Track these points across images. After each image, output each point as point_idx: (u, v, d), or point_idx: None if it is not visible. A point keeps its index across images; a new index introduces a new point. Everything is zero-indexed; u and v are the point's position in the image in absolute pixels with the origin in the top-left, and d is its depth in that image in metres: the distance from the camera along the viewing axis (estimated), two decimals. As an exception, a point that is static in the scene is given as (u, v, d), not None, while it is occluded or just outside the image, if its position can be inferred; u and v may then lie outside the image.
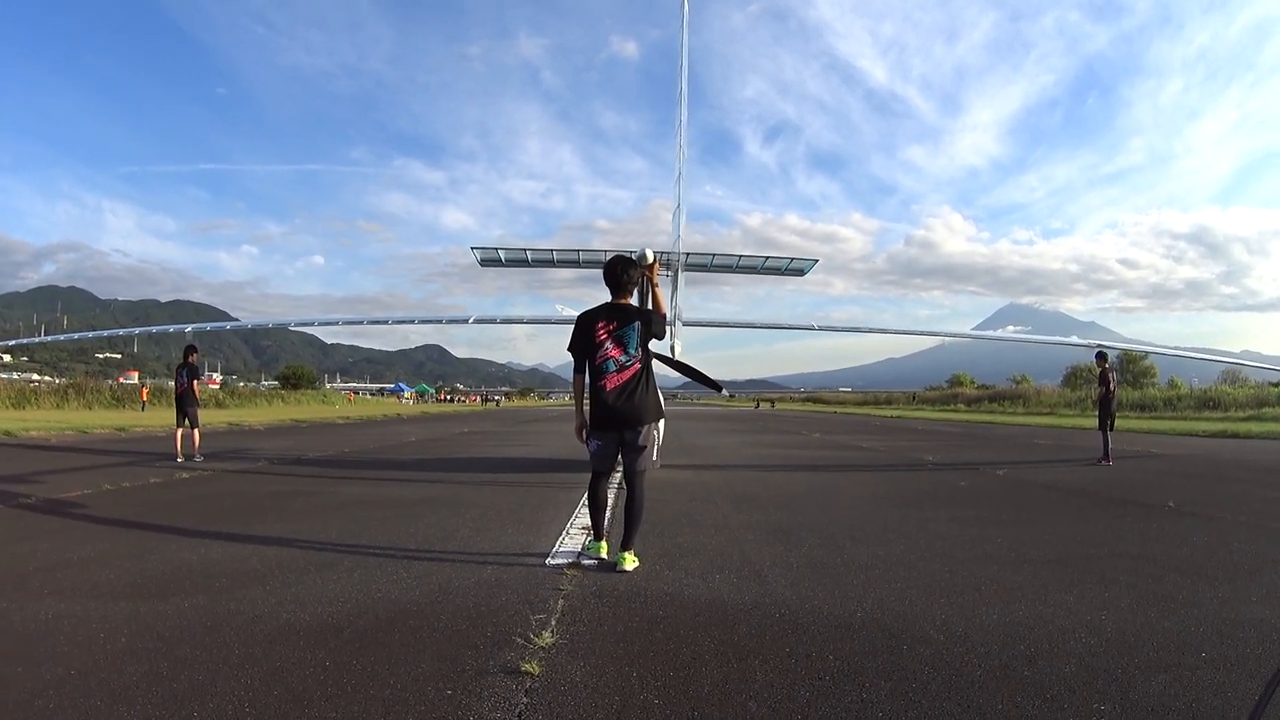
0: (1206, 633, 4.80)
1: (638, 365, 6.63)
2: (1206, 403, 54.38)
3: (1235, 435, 29.70)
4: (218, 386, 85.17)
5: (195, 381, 17.94)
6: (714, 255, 24.34)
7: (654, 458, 6.96)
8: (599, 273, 7.00)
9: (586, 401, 6.74)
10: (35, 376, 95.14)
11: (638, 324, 6.66)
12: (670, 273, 21.27)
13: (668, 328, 8.54)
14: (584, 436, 6.82)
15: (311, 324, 36.65)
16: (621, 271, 6.80)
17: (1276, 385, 56.10)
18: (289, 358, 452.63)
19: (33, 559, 6.80)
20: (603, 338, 6.61)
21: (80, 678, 3.94)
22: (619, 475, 7.07)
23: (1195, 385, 68.73)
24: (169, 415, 19.00)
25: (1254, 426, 33.57)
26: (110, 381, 71.01)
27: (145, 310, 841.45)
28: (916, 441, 27.90)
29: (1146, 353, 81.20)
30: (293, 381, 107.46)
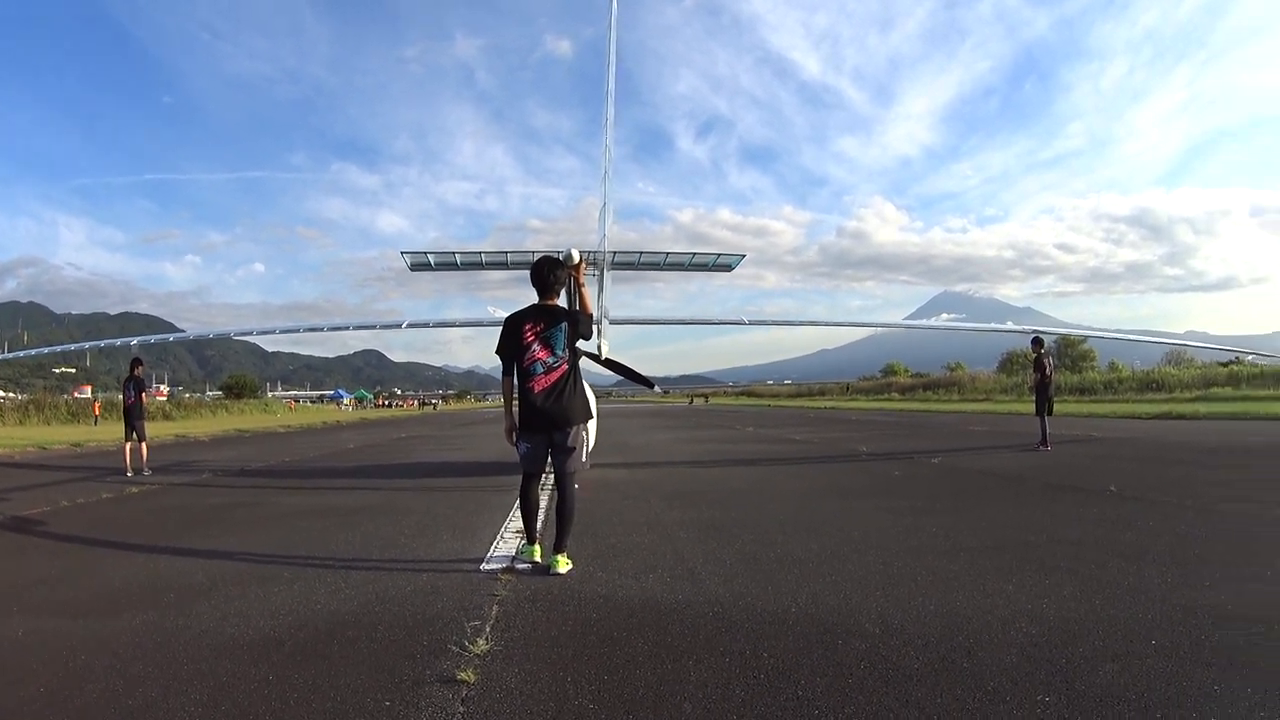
0: (1155, 619, 4.79)
1: (565, 366, 6.69)
2: (1149, 385, 55.44)
3: (1181, 417, 30.18)
4: (165, 398, 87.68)
5: (142, 394, 18.33)
6: (641, 253, 24.52)
7: (584, 459, 6.99)
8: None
9: (516, 403, 6.81)
10: (0, 394, 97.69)
11: (564, 325, 6.73)
12: (597, 272, 21.29)
13: (595, 327, 8.55)
14: (514, 439, 6.86)
15: (251, 333, 36.59)
16: (548, 273, 6.88)
17: (1224, 365, 57.29)
18: (232, 367, 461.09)
19: (2, 578, 7.04)
20: (530, 339, 6.68)
21: (47, 696, 4.08)
22: (552, 477, 7.06)
23: (1138, 368, 69.99)
24: (120, 429, 19.12)
25: (1201, 407, 33.98)
26: (66, 396, 74.59)
27: (96, 323, 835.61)
28: (850, 432, 28.15)
29: (1085, 337, 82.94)
30: (236, 391, 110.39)
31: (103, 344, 37.40)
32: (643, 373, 16.38)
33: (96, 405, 56.37)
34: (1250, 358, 57.07)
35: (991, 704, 3.59)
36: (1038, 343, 19.43)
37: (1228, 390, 44.72)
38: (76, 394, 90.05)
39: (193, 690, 4.07)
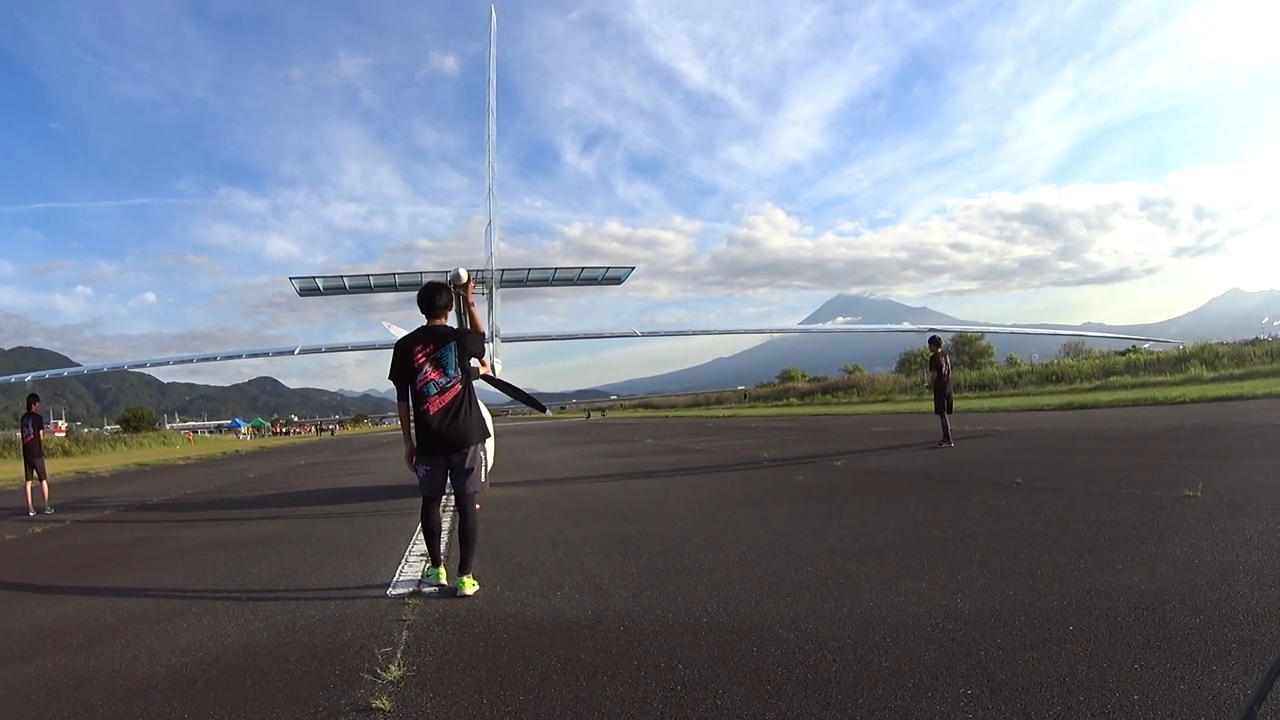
0: (1071, 605, 4.92)
1: (459, 386, 6.82)
2: (1049, 377, 57.27)
3: (1082, 406, 31.23)
4: (63, 434, 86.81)
5: (40, 430, 18.09)
6: (530, 270, 24.58)
7: (484, 479, 6.97)
8: None
9: (414, 426, 6.86)
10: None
11: (454, 344, 6.83)
12: (487, 290, 21.25)
13: (486, 345, 8.56)
14: (414, 463, 6.91)
15: (144, 365, 35.60)
16: (434, 295, 7.03)
17: (1122, 354, 59.19)
18: (129, 399, 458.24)
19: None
20: (421, 361, 6.80)
21: None
22: (453, 499, 7.09)
23: (1036, 361, 72.06)
24: (18, 468, 19.14)
25: (1102, 396, 35.45)
26: None
27: None
28: (751, 439, 28.48)
29: (983, 333, 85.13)
30: (134, 424, 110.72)
31: None
32: (538, 391, 16.38)
33: None
34: (1146, 345, 59.30)
35: (914, 700, 3.63)
36: (935, 342, 19.89)
37: (1126, 378, 46.28)
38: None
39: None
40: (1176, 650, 4.01)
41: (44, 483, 17.38)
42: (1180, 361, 47.10)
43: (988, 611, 4.92)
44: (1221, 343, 52.56)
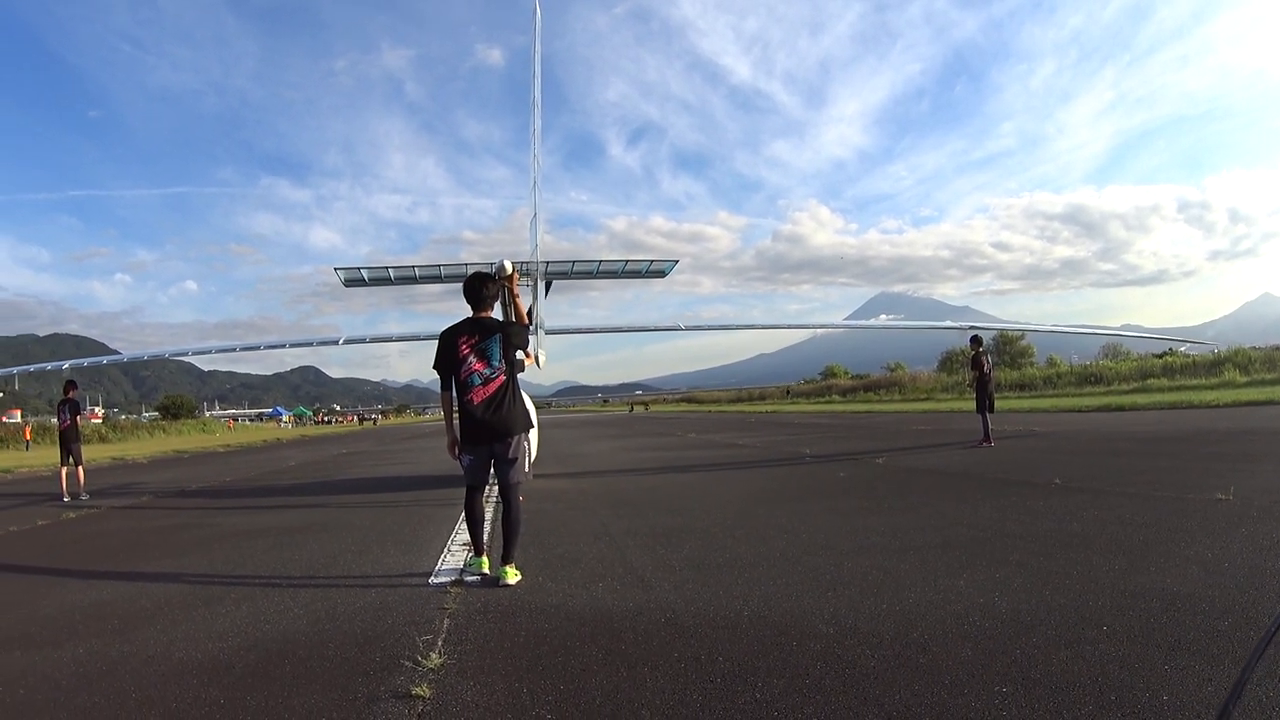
0: (1105, 606, 4.91)
1: (503, 377, 6.82)
2: (1088, 378, 56.27)
3: (1120, 409, 30.70)
4: (100, 420, 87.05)
5: (78, 417, 18.26)
6: (574, 262, 24.64)
7: (527, 469, 7.00)
8: None
9: (457, 417, 6.88)
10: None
11: (499, 336, 6.85)
12: (530, 282, 21.35)
13: (530, 336, 8.63)
14: (456, 453, 6.94)
15: (185, 353, 36.09)
16: (480, 286, 7.05)
17: (1159, 356, 58.32)
18: (168, 387, 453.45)
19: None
20: (465, 352, 6.81)
21: None
22: (497, 489, 7.14)
23: (1075, 362, 71.05)
24: (53, 454, 19.39)
25: (1140, 399, 34.75)
26: None
27: (24, 345, 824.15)
28: (793, 435, 28.30)
29: (1023, 332, 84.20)
30: (173, 411, 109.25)
31: (32, 368, 36.56)
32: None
33: (27, 430, 56.25)
34: (1183, 348, 58.40)
35: (950, 697, 3.65)
36: (976, 341, 19.74)
37: (1163, 381, 45.60)
38: (5, 419, 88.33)
39: (142, 718, 4.01)
40: (1206, 652, 4.00)
41: (79, 468, 17.53)
42: (1214, 365, 46.35)
43: (1024, 610, 4.92)
44: (1254, 347, 51.73)
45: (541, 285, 21.84)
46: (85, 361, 42.10)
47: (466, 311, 7.08)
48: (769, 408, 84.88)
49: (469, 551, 7.40)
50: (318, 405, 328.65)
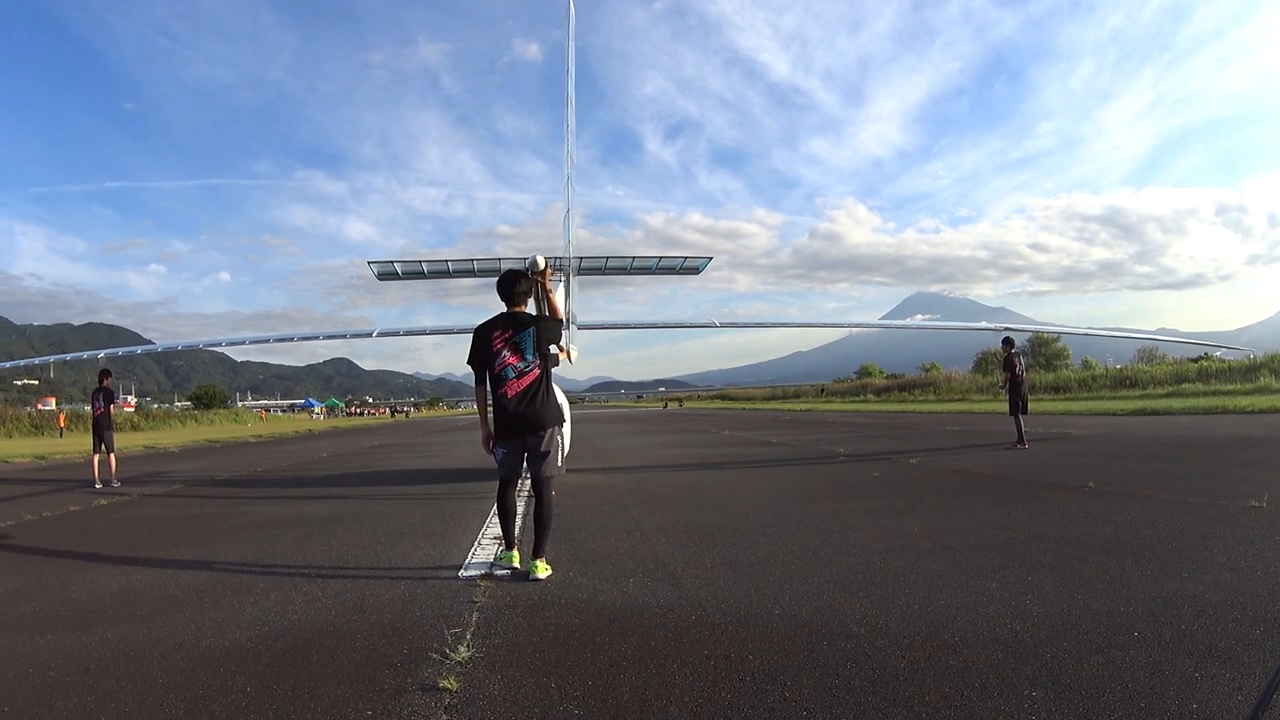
0: (1137, 612, 4.87)
1: (537, 371, 6.83)
2: (1123, 382, 55.78)
3: (1154, 413, 30.37)
4: (132, 409, 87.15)
5: (111, 405, 18.56)
6: (608, 258, 24.68)
7: (560, 463, 7.02)
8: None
9: (491, 411, 6.92)
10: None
11: (532, 330, 6.87)
12: (564, 277, 21.42)
13: (563, 331, 8.66)
14: (490, 448, 6.96)
15: (219, 344, 36.61)
16: (514, 282, 7.10)
17: (1195, 361, 57.68)
18: (200, 377, 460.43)
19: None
20: (499, 346, 6.85)
21: (14, 714, 3.99)
22: (528, 483, 7.16)
23: (1110, 365, 70.38)
24: (86, 441, 19.48)
25: (1174, 403, 34.40)
26: (29, 409, 72.58)
27: (60, 334, 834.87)
28: (827, 434, 28.21)
29: (1058, 334, 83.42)
30: (205, 401, 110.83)
31: (68, 357, 37.22)
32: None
33: (61, 417, 56.51)
34: (1219, 353, 57.70)
35: (980, 699, 3.64)
36: (1008, 343, 19.68)
37: (1198, 386, 45.13)
38: (40, 406, 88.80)
39: (168, 704, 4.02)
40: (1237, 660, 3.96)
41: (111, 456, 17.69)
42: (1250, 370, 45.78)
43: (1056, 614, 4.88)
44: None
45: (574, 280, 21.92)
46: (120, 351, 42.76)
47: (500, 307, 7.10)
48: (803, 406, 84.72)
49: (499, 545, 7.45)
50: (350, 397, 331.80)
